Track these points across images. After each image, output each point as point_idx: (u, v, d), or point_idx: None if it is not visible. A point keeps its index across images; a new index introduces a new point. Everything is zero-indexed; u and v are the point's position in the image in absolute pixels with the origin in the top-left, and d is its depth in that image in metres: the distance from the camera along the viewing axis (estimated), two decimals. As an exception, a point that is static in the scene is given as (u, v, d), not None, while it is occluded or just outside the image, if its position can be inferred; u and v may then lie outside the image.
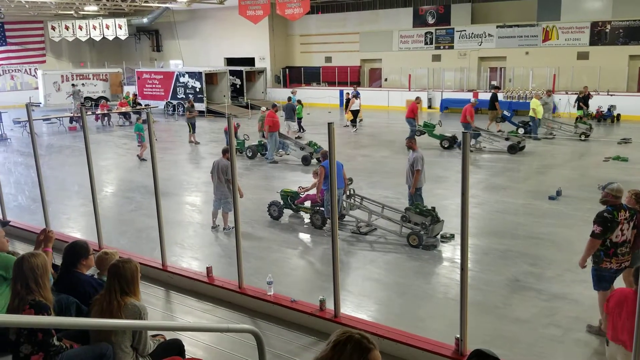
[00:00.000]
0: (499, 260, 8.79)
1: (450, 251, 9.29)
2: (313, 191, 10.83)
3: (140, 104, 28.92)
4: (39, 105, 31.23)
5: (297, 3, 25.61)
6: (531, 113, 18.95)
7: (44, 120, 25.86)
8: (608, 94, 23.99)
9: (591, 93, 22.74)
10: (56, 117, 25.58)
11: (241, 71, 31.71)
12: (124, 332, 3.97)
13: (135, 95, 30.16)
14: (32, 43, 37.67)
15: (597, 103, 22.84)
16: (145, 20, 36.06)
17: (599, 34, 26.12)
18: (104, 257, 4.82)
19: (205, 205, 12.05)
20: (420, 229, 9.41)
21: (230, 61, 36.39)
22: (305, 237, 10.49)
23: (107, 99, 32.74)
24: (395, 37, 31.85)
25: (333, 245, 5.48)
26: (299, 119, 21.27)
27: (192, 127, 20.45)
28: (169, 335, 4.57)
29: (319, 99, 30.44)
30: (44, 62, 37.81)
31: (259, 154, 17.37)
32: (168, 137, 22.35)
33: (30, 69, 37.04)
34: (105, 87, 34.42)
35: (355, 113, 22.65)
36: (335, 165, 5.47)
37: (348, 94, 24.78)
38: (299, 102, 21.58)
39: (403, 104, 29.29)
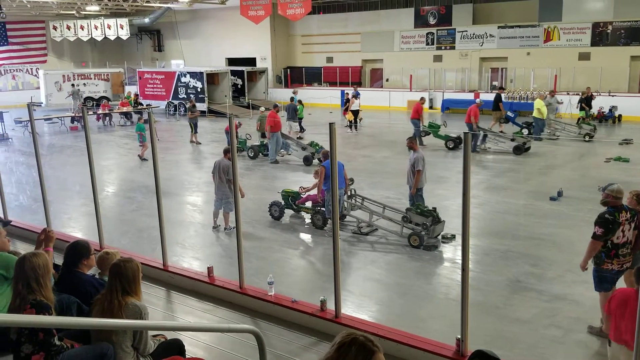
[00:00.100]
0: (500, 260, 8.79)
1: (451, 252, 9.29)
2: (314, 191, 10.83)
3: (141, 104, 28.96)
4: (41, 105, 31.30)
5: (299, 3, 25.61)
6: (535, 113, 18.89)
7: (46, 120, 25.89)
8: (609, 95, 23.96)
9: (594, 94, 22.71)
10: (57, 117, 25.60)
11: (242, 71, 31.73)
12: (125, 331, 3.97)
13: (136, 95, 30.22)
14: (33, 43, 37.70)
15: (598, 104, 22.80)
16: (146, 20, 36.09)
17: (601, 35, 26.11)
18: (105, 257, 4.82)
19: (206, 205, 12.06)
20: (422, 230, 9.41)
21: (231, 61, 36.41)
22: (306, 237, 10.50)
23: (108, 99, 32.79)
24: (396, 38, 31.85)
25: (334, 246, 5.48)
26: (300, 119, 21.28)
27: (194, 127, 20.46)
28: (169, 335, 4.57)
29: (320, 99, 30.45)
30: (45, 61, 37.86)
31: (260, 154, 17.38)
32: (169, 137, 22.37)
33: (31, 69, 37.10)
34: (107, 87, 34.48)
35: (356, 113, 22.65)
36: (336, 166, 5.47)
37: (348, 94, 24.76)
38: (300, 102, 21.57)
39: (404, 104, 29.33)
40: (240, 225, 6.36)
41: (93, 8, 32.46)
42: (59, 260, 5.04)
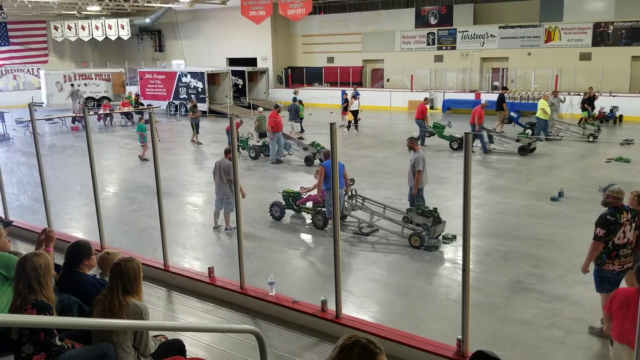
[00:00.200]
0: (501, 261, 8.78)
1: (452, 252, 9.29)
2: (315, 192, 10.83)
3: (142, 104, 28.96)
4: (42, 105, 31.32)
5: (300, 3, 25.60)
6: (539, 114, 18.82)
7: (47, 120, 25.91)
8: (610, 95, 23.94)
9: (596, 94, 22.68)
10: (59, 117, 25.63)
11: (243, 71, 31.72)
12: (126, 332, 3.98)
13: (137, 95, 30.23)
14: (34, 43, 37.72)
15: (599, 104, 22.78)
16: (147, 20, 36.10)
17: (602, 35, 26.09)
18: (106, 257, 4.82)
19: (207, 206, 12.06)
20: (422, 230, 9.41)
21: (232, 61, 36.41)
22: (306, 237, 10.50)
23: (109, 99, 32.85)
24: (397, 38, 31.85)
25: (335, 246, 5.48)
26: (300, 119, 21.27)
27: (196, 127, 20.44)
28: (170, 336, 4.58)
29: (321, 99, 30.45)
30: (46, 62, 37.89)
31: (262, 154, 17.38)
32: (170, 137, 22.38)
33: (32, 69, 37.11)
34: (108, 87, 34.49)
35: (355, 113, 22.66)
36: (337, 166, 5.47)
37: (346, 94, 24.74)
38: (300, 102, 21.58)
39: (405, 104, 29.34)
40: (241, 226, 6.36)
41: (94, 8, 32.47)
42: (60, 260, 5.04)
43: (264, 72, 32.98)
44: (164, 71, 32.78)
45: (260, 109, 19.78)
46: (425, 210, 9.65)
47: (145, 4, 31.94)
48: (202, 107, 27.35)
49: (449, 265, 8.91)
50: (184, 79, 30.04)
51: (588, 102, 22.06)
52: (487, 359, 2.93)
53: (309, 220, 10.97)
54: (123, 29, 35.93)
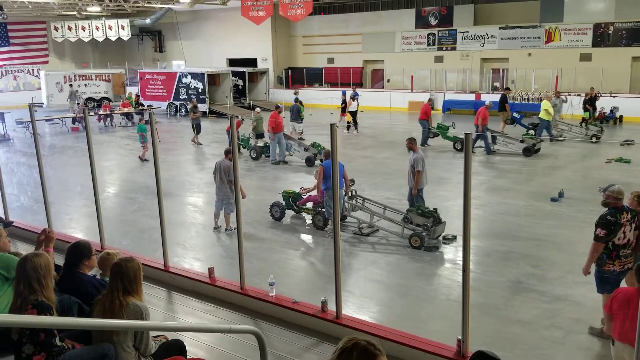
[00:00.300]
0: (501, 261, 8.78)
1: (452, 253, 9.29)
2: (315, 192, 10.83)
3: (142, 105, 28.97)
4: (42, 106, 31.33)
5: (300, 4, 25.61)
6: (542, 114, 18.78)
7: (47, 120, 25.91)
8: (611, 96, 23.94)
9: (597, 94, 22.68)
10: (59, 118, 25.64)
11: (244, 72, 31.74)
12: (126, 332, 3.98)
13: (137, 96, 30.24)
14: (35, 44, 37.76)
15: (600, 104, 22.78)
16: (147, 21, 36.12)
17: (602, 36, 26.09)
18: (106, 257, 4.82)
19: (207, 206, 12.06)
20: (422, 231, 9.41)
21: (232, 62, 36.43)
22: (307, 238, 10.50)
23: (109, 100, 32.86)
24: (397, 38, 31.85)
25: (335, 247, 5.48)
26: (300, 120, 21.25)
27: (197, 128, 20.41)
28: (170, 336, 4.58)
29: (321, 100, 30.47)
30: (46, 62, 37.93)
31: (263, 155, 17.37)
32: (170, 138, 22.38)
33: (33, 70, 37.15)
34: (108, 87, 34.50)
35: (354, 114, 22.66)
36: (337, 166, 5.47)
37: (344, 95, 24.72)
38: (300, 102, 21.58)
39: (405, 105, 29.34)
40: (241, 226, 6.36)
41: (94, 9, 32.50)
42: (60, 261, 5.04)
43: (264, 72, 32.99)
44: (164, 72, 32.79)
45: (258, 109, 19.78)
46: (425, 211, 9.65)
47: (146, 5, 31.96)
48: (202, 107, 27.36)
49: (449, 265, 8.91)
50: (184, 80, 30.05)
51: (589, 102, 22.05)
52: None
53: (309, 221, 10.97)
54: (123, 29, 35.97)
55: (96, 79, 34.24)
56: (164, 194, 7.00)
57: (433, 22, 30.55)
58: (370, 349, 2.26)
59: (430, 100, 19.80)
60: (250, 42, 34.67)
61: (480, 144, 17.35)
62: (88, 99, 32.62)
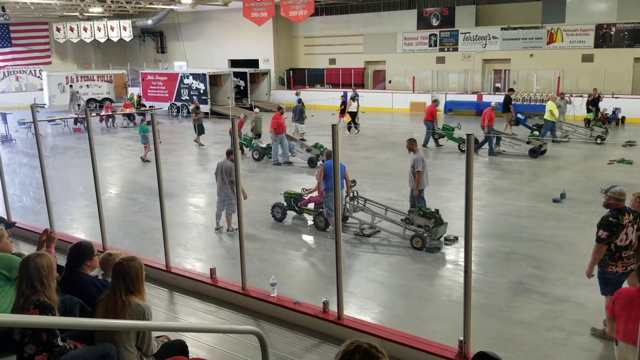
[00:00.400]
0: (503, 262, 8.77)
1: (453, 254, 9.28)
2: (316, 193, 10.83)
3: (144, 106, 29.01)
4: (44, 107, 31.37)
5: (302, 5, 25.59)
6: (547, 115, 18.74)
7: (49, 121, 25.95)
8: (613, 97, 23.90)
9: (600, 95, 22.64)
10: (61, 119, 25.68)
11: (245, 73, 31.77)
12: (128, 331, 3.98)
13: (139, 96, 30.29)
14: (37, 44, 37.83)
15: (602, 106, 22.76)
16: (149, 21, 36.17)
17: (604, 37, 26.05)
18: (108, 258, 4.83)
19: (209, 207, 12.07)
20: (424, 232, 9.40)
21: (234, 63, 36.46)
22: (308, 238, 10.50)
23: (111, 101, 32.90)
24: (399, 39, 31.85)
25: (336, 247, 5.48)
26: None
27: (199, 128, 20.39)
28: (172, 336, 4.58)
29: (323, 100, 30.48)
30: (48, 63, 37.99)
31: (265, 156, 17.37)
32: (172, 138, 22.40)
33: (35, 71, 37.21)
34: (110, 88, 34.55)
35: (353, 115, 22.65)
36: (339, 167, 5.47)
37: (343, 96, 24.68)
38: (302, 103, 21.54)
39: (407, 106, 29.33)
40: (243, 227, 6.36)
41: (96, 10, 32.56)
42: (61, 261, 5.05)
43: (265, 73, 33.01)
44: (166, 72, 32.82)
45: (257, 109, 19.77)
46: (427, 212, 9.65)
47: (147, 6, 32.01)
48: (204, 108, 27.36)
49: (450, 266, 8.91)
50: (185, 81, 30.08)
51: (592, 103, 22.01)
52: (489, 360, 2.93)
53: (310, 222, 10.97)
54: (125, 30, 36.02)
55: (98, 80, 34.30)
56: (165, 195, 7.01)
57: (435, 23, 30.54)
58: (372, 351, 2.26)
59: (436, 101, 19.72)
60: (251, 43, 34.69)
61: (485, 145, 17.33)
62: (90, 100, 32.66)
